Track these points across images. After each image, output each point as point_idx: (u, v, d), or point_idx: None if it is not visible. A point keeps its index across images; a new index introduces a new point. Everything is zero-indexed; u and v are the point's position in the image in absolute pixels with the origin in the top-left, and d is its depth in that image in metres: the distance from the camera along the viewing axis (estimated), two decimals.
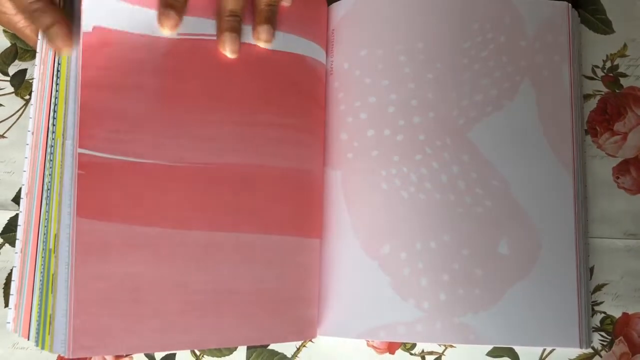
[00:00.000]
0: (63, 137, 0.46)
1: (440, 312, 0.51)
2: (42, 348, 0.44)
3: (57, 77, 0.47)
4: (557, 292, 0.52)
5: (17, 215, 0.55)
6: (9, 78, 0.58)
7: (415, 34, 0.56)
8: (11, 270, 0.55)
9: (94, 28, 0.46)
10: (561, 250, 0.52)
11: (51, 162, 0.46)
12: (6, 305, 0.55)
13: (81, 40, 0.46)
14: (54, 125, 0.46)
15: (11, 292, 0.47)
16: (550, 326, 0.51)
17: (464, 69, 0.55)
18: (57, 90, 0.47)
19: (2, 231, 0.56)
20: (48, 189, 0.46)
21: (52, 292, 0.44)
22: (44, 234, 0.46)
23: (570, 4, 0.56)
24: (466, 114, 0.54)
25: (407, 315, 0.52)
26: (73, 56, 0.46)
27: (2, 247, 0.56)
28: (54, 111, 0.47)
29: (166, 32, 0.48)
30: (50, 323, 0.44)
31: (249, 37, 0.51)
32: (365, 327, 0.52)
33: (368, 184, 0.54)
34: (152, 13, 0.48)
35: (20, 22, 0.50)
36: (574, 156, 0.54)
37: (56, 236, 0.45)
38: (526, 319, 0.51)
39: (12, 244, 0.56)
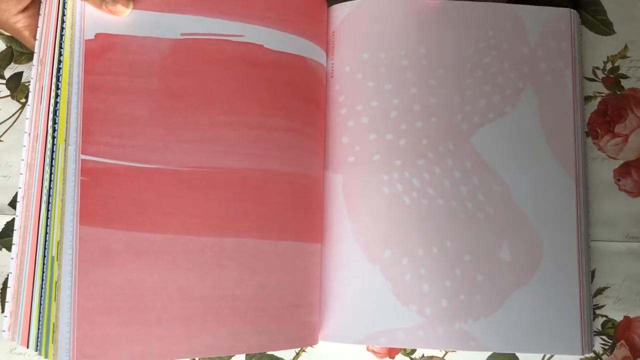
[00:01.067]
0: (65, 143, 0.45)
1: (441, 318, 0.51)
2: (46, 357, 0.44)
3: (58, 80, 0.46)
4: (559, 298, 0.52)
5: (13, 219, 0.55)
6: (4, 81, 0.58)
7: (418, 39, 0.56)
8: (7, 276, 0.54)
9: (97, 35, 0.47)
10: (563, 256, 0.52)
11: (52, 167, 0.46)
12: (2, 311, 0.54)
13: (83, 48, 0.46)
14: (54, 129, 0.46)
15: (7, 300, 0.47)
16: (551, 333, 0.51)
17: (466, 74, 0.55)
18: (57, 94, 0.46)
19: None
20: (49, 194, 0.46)
21: (54, 300, 0.44)
22: (45, 240, 0.45)
23: (572, 10, 0.56)
24: (469, 120, 0.54)
25: (408, 321, 0.51)
26: (75, 61, 0.46)
27: None
28: (55, 114, 0.46)
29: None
30: (53, 332, 0.44)
31: (251, 36, 0.51)
32: (366, 332, 0.52)
33: (369, 189, 0.53)
34: (154, 15, 0.48)
35: (19, 22, 0.50)
36: (576, 161, 0.54)
37: (59, 243, 0.44)
38: (527, 326, 0.51)
39: (9, 249, 0.55)
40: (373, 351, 0.55)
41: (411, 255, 0.52)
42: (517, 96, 0.55)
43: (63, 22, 0.47)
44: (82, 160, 0.45)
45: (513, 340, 0.51)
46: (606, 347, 0.54)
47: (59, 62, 0.47)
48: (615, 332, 0.54)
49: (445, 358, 0.54)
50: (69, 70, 0.46)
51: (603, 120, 0.57)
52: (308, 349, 0.55)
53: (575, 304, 0.52)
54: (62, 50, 0.47)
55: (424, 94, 0.55)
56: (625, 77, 0.58)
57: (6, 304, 0.47)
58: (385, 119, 0.54)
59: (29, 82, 0.49)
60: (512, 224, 0.53)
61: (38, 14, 0.49)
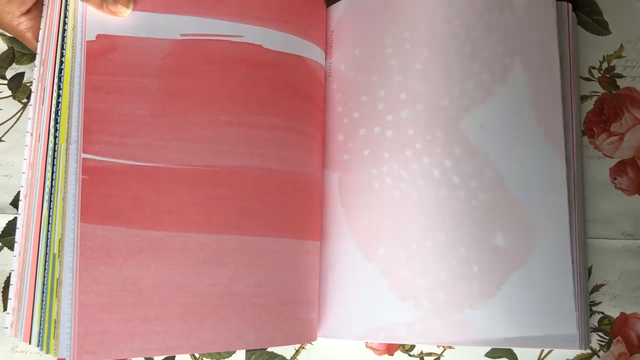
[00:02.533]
0: (67, 142, 0.46)
1: (439, 310, 0.51)
2: (47, 352, 0.44)
3: (60, 81, 0.47)
4: (554, 279, 0.50)
5: (15, 219, 0.55)
6: (6, 81, 0.58)
7: (401, 23, 0.55)
8: (9, 274, 0.55)
9: (98, 36, 0.48)
10: (555, 238, 0.51)
11: (54, 166, 0.46)
12: (4, 309, 0.54)
13: (85, 49, 0.47)
14: (56, 129, 0.46)
15: (9, 297, 0.47)
16: (547, 311, 0.50)
17: (452, 53, 0.54)
18: (59, 94, 0.47)
19: (0, 235, 0.56)
20: (51, 193, 0.46)
21: (56, 297, 0.45)
22: (47, 238, 0.46)
23: (569, 4, 0.56)
24: (456, 103, 0.53)
25: (406, 316, 0.51)
26: (77, 61, 0.47)
27: (0, 250, 0.56)
28: (57, 114, 0.47)
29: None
30: (55, 327, 0.44)
31: (251, 37, 0.51)
32: (365, 328, 0.52)
33: (361, 185, 0.53)
34: (154, 16, 0.49)
35: (22, 24, 0.50)
36: (573, 160, 0.53)
37: (60, 241, 0.45)
38: (524, 308, 0.50)
39: (11, 248, 0.55)
40: (372, 348, 0.55)
41: (406, 250, 0.52)
42: (505, 72, 0.53)
43: (65, 23, 0.48)
44: (83, 159, 0.46)
45: (510, 324, 0.50)
46: (603, 344, 0.54)
47: (61, 63, 0.47)
48: (611, 328, 0.54)
49: (443, 355, 0.55)
50: (71, 71, 0.47)
51: (599, 119, 0.58)
52: (307, 346, 0.55)
53: (569, 283, 0.50)
54: (64, 51, 0.48)
55: (410, 81, 0.53)
56: (620, 76, 0.58)
57: (9, 302, 0.47)
58: (373, 112, 0.54)
59: (31, 82, 0.50)
60: (505, 209, 0.52)
61: (40, 16, 0.50)
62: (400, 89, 0.54)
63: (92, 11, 0.48)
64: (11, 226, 0.56)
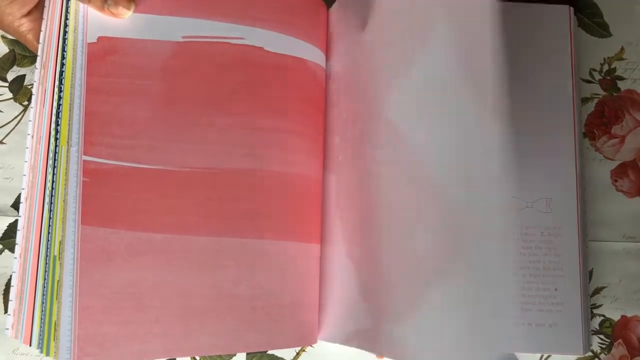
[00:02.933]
0: (68, 144, 0.46)
1: (380, 319, 0.46)
2: (47, 354, 0.45)
3: (61, 83, 0.47)
4: (498, 291, 0.36)
5: (16, 221, 0.55)
6: (7, 84, 0.58)
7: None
8: (10, 276, 0.55)
9: (99, 38, 0.48)
10: (494, 240, 0.36)
11: (54, 168, 0.46)
12: (5, 311, 0.54)
13: (86, 50, 0.47)
14: (57, 131, 0.47)
15: (10, 298, 0.47)
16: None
17: (383, 30, 0.47)
18: (60, 97, 0.47)
19: (1, 237, 0.56)
20: (52, 195, 0.46)
21: (56, 299, 0.45)
22: (48, 240, 0.46)
23: (572, 8, 0.56)
24: (380, 87, 0.46)
25: (366, 321, 0.47)
26: (77, 63, 0.47)
27: (1, 253, 0.56)
28: (57, 116, 0.47)
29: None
30: (55, 330, 0.44)
31: (252, 39, 0.51)
32: (344, 333, 0.50)
33: (346, 186, 0.53)
34: (155, 18, 0.49)
35: (23, 25, 0.50)
36: (575, 162, 0.52)
37: (61, 243, 0.45)
38: (448, 330, 0.39)
39: (12, 250, 0.56)
40: None
41: (368, 251, 0.48)
42: (425, 36, 0.41)
43: (66, 25, 0.48)
44: (84, 161, 0.46)
45: (429, 347, 0.40)
46: (604, 347, 0.54)
47: (62, 65, 0.47)
48: (612, 331, 0.54)
49: None
50: (72, 73, 0.47)
51: (600, 122, 0.58)
52: (308, 348, 0.55)
53: (511, 296, 0.35)
54: (65, 53, 0.48)
55: (364, 74, 0.50)
56: (621, 78, 0.58)
57: (9, 303, 0.47)
58: (354, 111, 0.53)
59: (32, 84, 0.50)
60: (430, 206, 0.40)
61: (41, 18, 0.50)
62: (364, 82, 0.51)
63: (93, 13, 0.48)
64: (12, 228, 0.56)
